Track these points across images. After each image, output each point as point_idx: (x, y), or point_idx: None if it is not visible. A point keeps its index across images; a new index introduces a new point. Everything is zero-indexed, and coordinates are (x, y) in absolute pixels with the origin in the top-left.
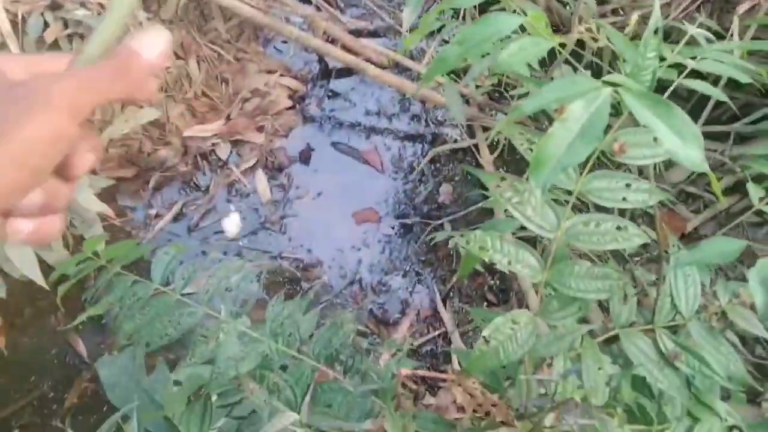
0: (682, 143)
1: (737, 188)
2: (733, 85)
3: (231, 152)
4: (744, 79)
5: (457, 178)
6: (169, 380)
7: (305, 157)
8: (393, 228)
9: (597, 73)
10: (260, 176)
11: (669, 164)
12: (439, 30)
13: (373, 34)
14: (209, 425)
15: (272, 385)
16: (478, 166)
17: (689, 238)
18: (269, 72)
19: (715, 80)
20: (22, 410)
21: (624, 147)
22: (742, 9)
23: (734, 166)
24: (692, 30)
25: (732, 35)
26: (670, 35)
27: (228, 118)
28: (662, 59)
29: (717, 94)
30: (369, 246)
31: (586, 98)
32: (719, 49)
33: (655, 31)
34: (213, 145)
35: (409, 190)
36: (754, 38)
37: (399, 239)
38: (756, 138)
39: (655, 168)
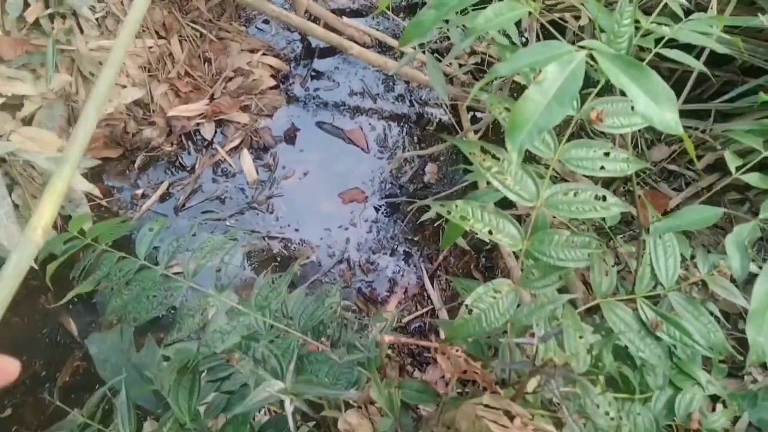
0: (656, 106)
1: (718, 166)
2: (713, 63)
3: (216, 132)
4: (720, 49)
5: (442, 158)
6: (158, 356)
7: (290, 136)
8: (379, 207)
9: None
10: (246, 156)
11: (651, 143)
12: (422, 5)
13: (356, 13)
14: (198, 398)
15: (258, 355)
16: None
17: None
18: (252, 51)
19: (695, 57)
20: (14, 389)
21: (601, 115)
22: None
23: (715, 143)
24: (670, 2)
25: (711, 10)
26: (649, 12)
27: (212, 97)
28: (638, 28)
29: (694, 62)
30: (356, 225)
31: (561, 61)
32: (696, 20)
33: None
34: (197, 124)
35: (394, 170)
36: (732, 16)
37: (386, 218)
38: (736, 115)
39: (636, 146)
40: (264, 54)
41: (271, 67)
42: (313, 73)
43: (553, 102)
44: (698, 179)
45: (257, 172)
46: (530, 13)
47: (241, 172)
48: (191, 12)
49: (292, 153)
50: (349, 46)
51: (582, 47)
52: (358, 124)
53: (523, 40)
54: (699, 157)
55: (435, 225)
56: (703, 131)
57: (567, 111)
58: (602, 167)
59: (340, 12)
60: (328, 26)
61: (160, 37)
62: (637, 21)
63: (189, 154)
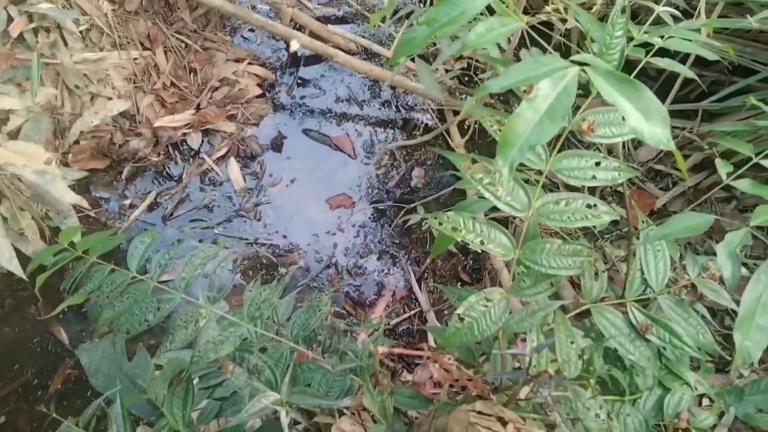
0: (647, 122)
1: (705, 165)
2: (701, 63)
3: (202, 141)
4: (710, 56)
5: (429, 162)
6: (150, 365)
7: (277, 144)
8: (367, 212)
9: (566, 54)
10: (233, 165)
11: (638, 143)
12: (408, 15)
13: (341, 20)
14: (191, 406)
15: (252, 366)
16: (449, 149)
17: (659, 215)
18: (237, 60)
19: (683, 59)
20: (7, 397)
21: (593, 126)
22: None
23: (702, 143)
24: (659, 9)
25: (699, 13)
26: (637, 15)
27: (198, 107)
28: (630, 38)
29: (684, 70)
30: (344, 230)
31: (554, 77)
32: (686, 27)
33: (623, 10)
34: (184, 134)
35: (381, 175)
36: (721, 17)
37: (373, 223)
38: (724, 115)
39: (623, 147)
40: (250, 63)
41: (257, 76)
42: (299, 81)
43: (545, 118)
44: (685, 178)
45: (244, 180)
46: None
47: (228, 180)
48: (176, 23)
49: (279, 160)
50: (335, 53)
51: (575, 62)
52: (344, 131)
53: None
54: (686, 157)
55: (422, 228)
56: (691, 130)
57: (559, 127)
58: (594, 177)
59: (325, 20)
60: (313, 34)
61: (145, 48)
62: (629, 31)
63: (176, 163)
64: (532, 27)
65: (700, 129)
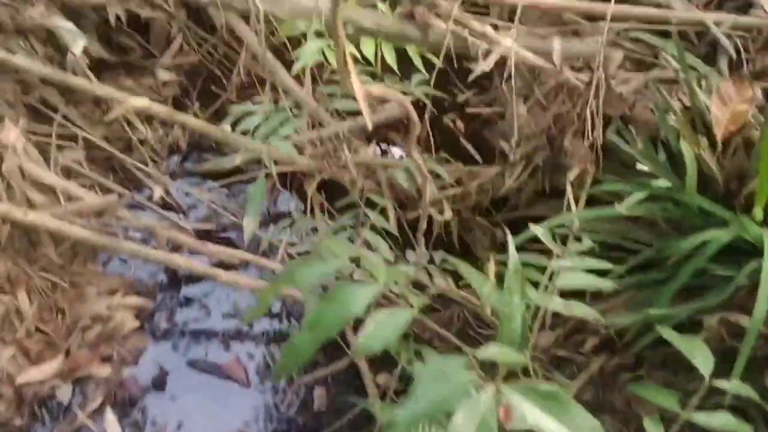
0: None
1: (606, 344)
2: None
3: (74, 393)
4: (606, 286)
5: (329, 379)
6: None
7: (159, 383)
8: None
9: None
10: (109, 417)
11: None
12: (291, 225)
13: (221, 234)
14: None
15: None
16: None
17: None
18: (111, 293)
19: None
20: None
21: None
22: (572, 176)
23: (600, 326)
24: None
25: (568, 203)
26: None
27: (67, 352)
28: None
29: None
30: None
31: (469, 406)
32: (575, 251)
33: (515, 272)
34: (52, 388)
35: (279, 402)
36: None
37: None
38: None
39: (522, 334)
40: (125, 294)
41: (133, 307)
42: (182, 300)
43: None
44: (589, 362)
45: None
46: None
47: None
48: (40, 260)
49: (163, 402)
50: (217, 274)
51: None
52: (234, 355)
53: None
54: (583, 342)
55: None
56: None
57: None
58: None
59: (205, 234)
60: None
61: (4, 292)
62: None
63: (44, 425)
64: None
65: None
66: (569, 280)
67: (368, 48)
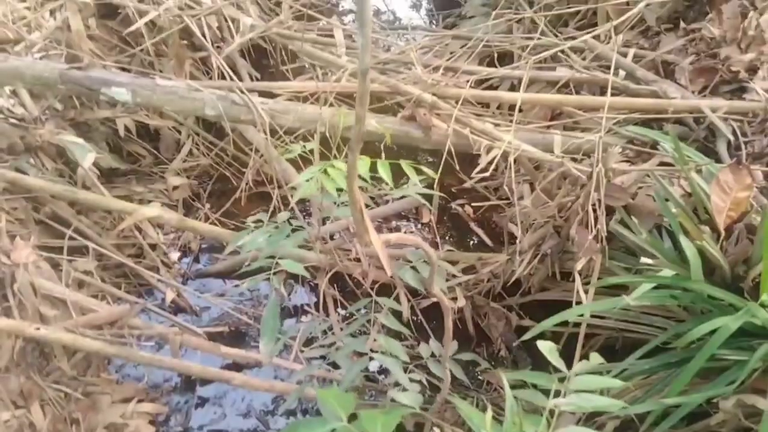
0: None
1: (625, 428)
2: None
3: None
4: (613, 407)
5: None
6: None
7: None
8: None
9: None
10: None
11: None
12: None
13: (234, 334)
14: None
15: None
16: None
17: None
18: (125, 401)
19: None
20: None
21: None
22: (579, 266)
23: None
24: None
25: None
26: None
27: None
28: None
29: None
30: None
31: None
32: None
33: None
34: None
35: None
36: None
37: None
38: None
39: None
40: (139, 401)
41: (147, 413)
42: (197, 402)
43: None
44: None
45: None
46: None
47: None
48: (52, 373)
49: None
50: (231, 377)
51: None
52: None
53: None
54: (603, 425)
55: None
56: None
57: None
58: None
59: (218, 336)
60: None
61: (17, 407)
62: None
63: None
64: None
65: None
66: (575, 405)
67: (363, 167)
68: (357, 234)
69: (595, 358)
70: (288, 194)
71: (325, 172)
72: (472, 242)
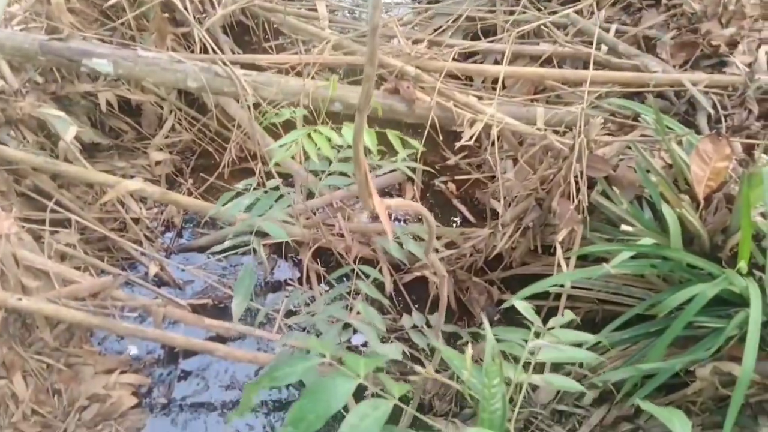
0: None
1: (604, 398)
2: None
3: None
4: (588, 359)
5: None
6: None
7: None
8: None
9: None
10: None
11: (534, 386)
12: (287, 295)
13: (218, 307)
14: None
15: None
16: None
17: None
18: (107, 372)
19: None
20: None
21: None
22: (561, 237)
23: (596, 380)
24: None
25: (559, 263)
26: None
27: None
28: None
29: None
30: None
31: None
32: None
33: (493, 357)
34: None
35: None
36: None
37: None
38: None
39: (520, 390)
40: (122, 372)
41: (130, 384)
42: (180, 374)
43: None
44: (589, 415)
45: None
46: None
47: None
48: (35, 344)
49: None
50: (214, 348)
51: None
52: (234, 429)
53: None
54: (582, 395)
55: None
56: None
57: None
58: None
59: (202, 308)
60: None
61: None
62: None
63: None
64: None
65: None
66: (551, 354)
67: (347, 133)
68: (360, 197)
69: (569, 315)
70: (272, 170)
71: (309, 136)
72: (455, 219)
